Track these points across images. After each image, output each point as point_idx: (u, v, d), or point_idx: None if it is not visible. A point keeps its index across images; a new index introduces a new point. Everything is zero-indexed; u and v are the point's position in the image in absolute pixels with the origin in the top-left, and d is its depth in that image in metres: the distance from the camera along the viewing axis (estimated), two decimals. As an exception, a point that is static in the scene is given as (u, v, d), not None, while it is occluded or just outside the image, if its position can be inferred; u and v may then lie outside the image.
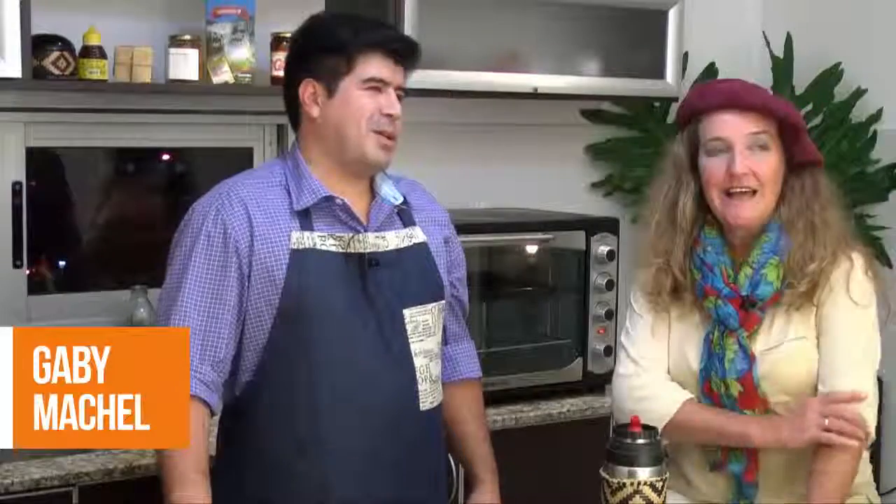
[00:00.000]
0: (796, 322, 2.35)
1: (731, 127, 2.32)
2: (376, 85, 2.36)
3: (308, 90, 2.37)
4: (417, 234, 2.47)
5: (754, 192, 2.32)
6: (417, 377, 2.41)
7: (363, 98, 2.35)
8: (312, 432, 2.32)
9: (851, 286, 2.32)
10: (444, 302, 2.51)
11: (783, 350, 2.34)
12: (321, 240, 2.35)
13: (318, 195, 2.35)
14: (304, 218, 2.35)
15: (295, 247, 2.32)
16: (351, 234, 2.37)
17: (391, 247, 2.42)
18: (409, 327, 2.40)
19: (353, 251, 2.36)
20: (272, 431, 2.34)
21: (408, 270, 2.43)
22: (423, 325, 2.43)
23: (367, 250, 2.38)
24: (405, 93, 2.44)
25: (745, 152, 2.31)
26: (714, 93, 2.36)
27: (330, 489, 2.33)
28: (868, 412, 2.31)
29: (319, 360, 2.32)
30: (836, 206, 2.38)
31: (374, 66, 2.36)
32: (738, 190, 2.32)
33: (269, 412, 2.35)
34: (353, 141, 2.36)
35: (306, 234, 2.34)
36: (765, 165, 2.32)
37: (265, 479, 2.35)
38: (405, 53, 2.41)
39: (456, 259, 2.60)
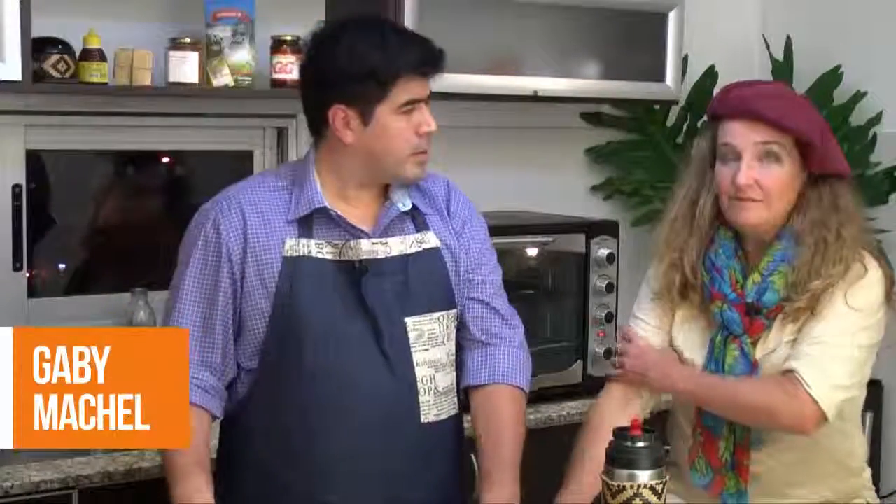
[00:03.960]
0: (791, 326, 2.33)
1: (741, 135, 2.30)
2: (412, 107, 2.29)
3: (339, 116, 2.28)
4: (429, 240, 2.41)
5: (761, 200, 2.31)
6: (419, 388, 2.34)
7: (401, 123, 2.29)
8: (304, 448, 2.29)
9: (851, 291, 2.29)
10: (456, 310, 2.43)
11: (779, 354, 2.33)
12: (318, 247, 2.31)
13: (312, 206, 2.31)
14: (304, 226, 2.32)
15: (288, 254, 2.30)
16: (344, 242, 2.33)
17: (394, 252, 2.36)
18: (411, 336, 2.34)
19: (345, 258, 2.33)
20: (265, 446, 2.32)
21: (414, 277, 2.36)
22: (428, 334, 2.37)
23: (360, 257, 2.33)
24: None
25: (752, 163, 2.29)
26: (732, 98, 2.35)
27: (316, 499, 2.30)
28: (829, 392, 2.24)
29: (311, 369, 2.28)
30: (856, 222, 2.34)
31: (410, 89, 2.28)
32: (743, 198, 2.31)
33: (262, 427, 2.33)
34: (392, 167, 2.32)
35: (302, 241, 2.31)
36: (772, 177, 2.29)
37: (261, 488, 2.33)
38: (437, 67, 2.33)
39: (478, 258, 2.49)
